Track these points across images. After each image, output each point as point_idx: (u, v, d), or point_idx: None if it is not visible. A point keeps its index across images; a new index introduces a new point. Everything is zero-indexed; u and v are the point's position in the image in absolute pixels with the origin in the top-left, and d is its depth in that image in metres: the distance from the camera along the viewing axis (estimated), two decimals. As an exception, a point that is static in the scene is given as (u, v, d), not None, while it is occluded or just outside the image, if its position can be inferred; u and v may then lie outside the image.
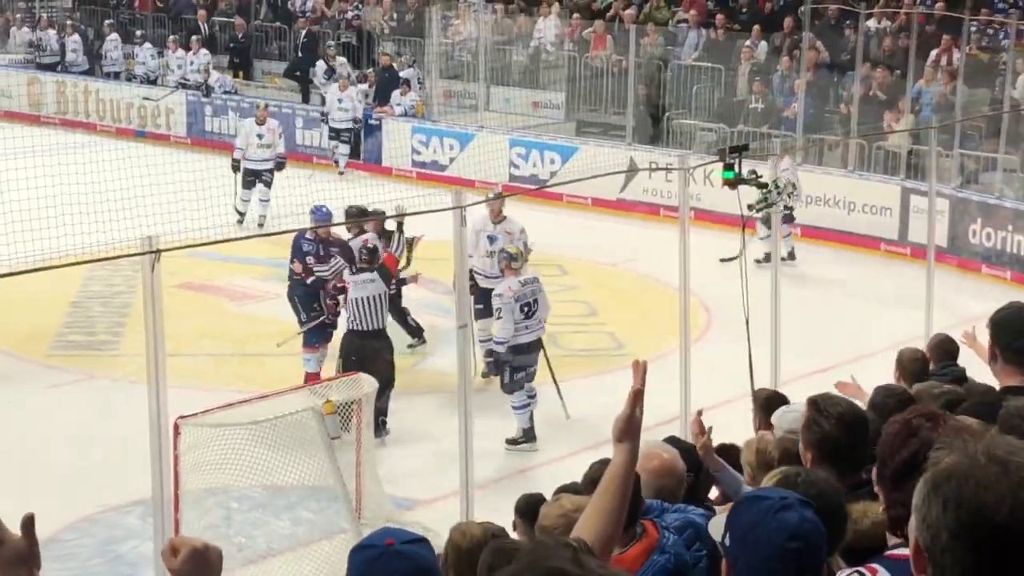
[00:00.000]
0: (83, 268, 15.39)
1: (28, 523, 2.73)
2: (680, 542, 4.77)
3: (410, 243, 14.53)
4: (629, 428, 3.73)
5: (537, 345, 12.79)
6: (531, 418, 12.20)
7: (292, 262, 14.16)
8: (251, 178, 20.01)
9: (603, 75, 23.76)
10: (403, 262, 14.50)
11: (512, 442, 12.17)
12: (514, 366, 12.56)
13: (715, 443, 6.56)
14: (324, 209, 14.75)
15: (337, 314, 14.04)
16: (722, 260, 17.04)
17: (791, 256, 18.03)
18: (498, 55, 25.23)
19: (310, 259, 14.03)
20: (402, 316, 14.58)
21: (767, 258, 18.56)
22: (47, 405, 13.10)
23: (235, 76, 26.95)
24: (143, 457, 8.32)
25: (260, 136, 19.75)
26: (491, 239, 13.45)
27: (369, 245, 13.73)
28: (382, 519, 9.96)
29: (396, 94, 24.03)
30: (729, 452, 6.59)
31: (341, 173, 22.67)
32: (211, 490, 10.47)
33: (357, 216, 14.89)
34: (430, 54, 25.23)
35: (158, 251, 8.21)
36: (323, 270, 14.05)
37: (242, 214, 20.01)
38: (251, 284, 17.31)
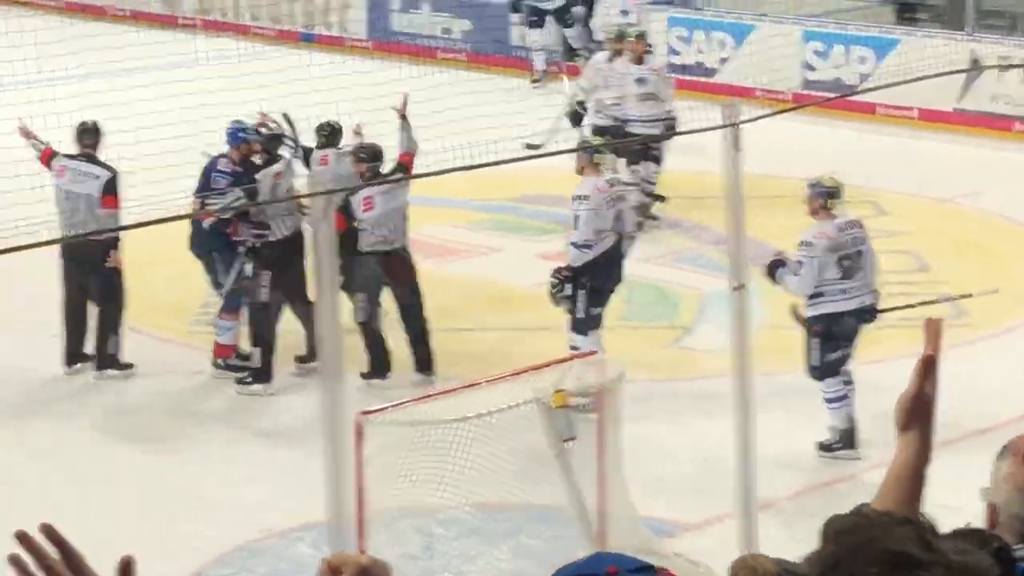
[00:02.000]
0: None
1: (124, 570, 2.66)
2: None
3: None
4: (917, 410, 3.50)
5: (862, 317, 12.53)
6: (850, 416, 12.00)
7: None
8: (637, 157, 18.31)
9: (933, -61, 23.43)
10: None
11: (825, 448, 12.07)
12: (825, 342, 12.30)
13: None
14: (241, 131, 14.99)
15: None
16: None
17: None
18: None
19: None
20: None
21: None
22: (189, 397, 13.50)
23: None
24: (316, 466, 8.56)
25: (642, 82, 18.22)
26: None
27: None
28: (634, 548, 9.83)
29: (646, -29, 23.82)
30: None
31: (536, 81, 22.76)
32: (407, 510, 10.61)
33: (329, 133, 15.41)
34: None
35: (330, 192, 8.51)
36: (215, 203, 14.53)
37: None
38: (456, 235, 17.43)
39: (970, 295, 13.07)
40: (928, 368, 3.51)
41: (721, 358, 11.10)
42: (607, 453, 10.86)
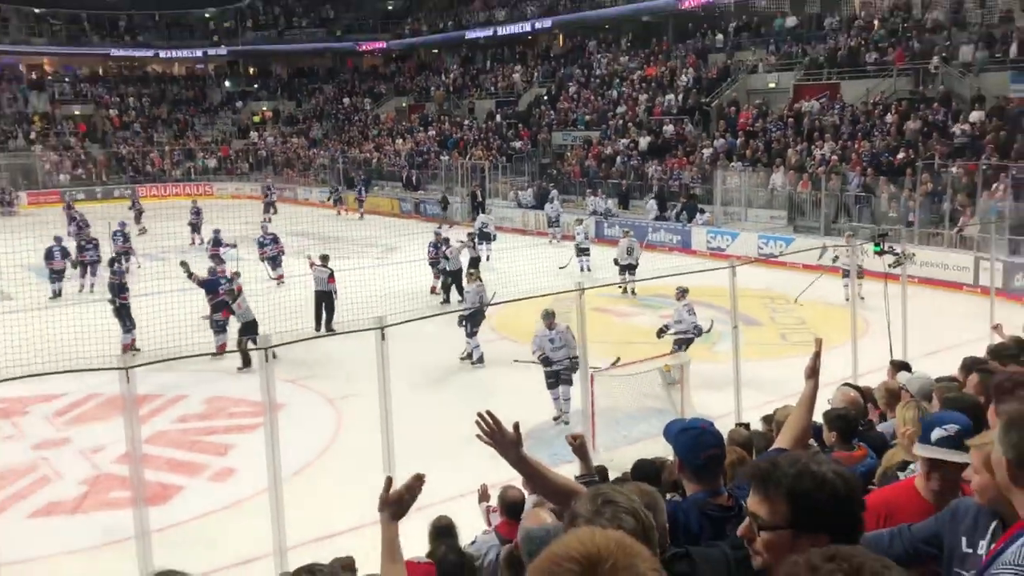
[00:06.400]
0: (550, 300, 16.17)
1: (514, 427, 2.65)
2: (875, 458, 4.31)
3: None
4: (812, 372, 3.49)
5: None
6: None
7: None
8: None
9: None
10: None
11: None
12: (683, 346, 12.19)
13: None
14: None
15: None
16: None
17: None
18: None
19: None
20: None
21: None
22: (528, 367, 12.45)
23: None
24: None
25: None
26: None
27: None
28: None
29: None
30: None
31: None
32: (611, 408, 10.81)
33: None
34: None
35: (582, 289, 8.67)
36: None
37: None
38: (629, 310, 17.04)
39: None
40: (817, 356, 3.54)
41: (727, 355, 10.82)
42: (685, 389, 11.30)
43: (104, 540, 8.04)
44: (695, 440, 2.99)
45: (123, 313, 14.54)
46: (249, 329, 13.57)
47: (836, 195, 22.91)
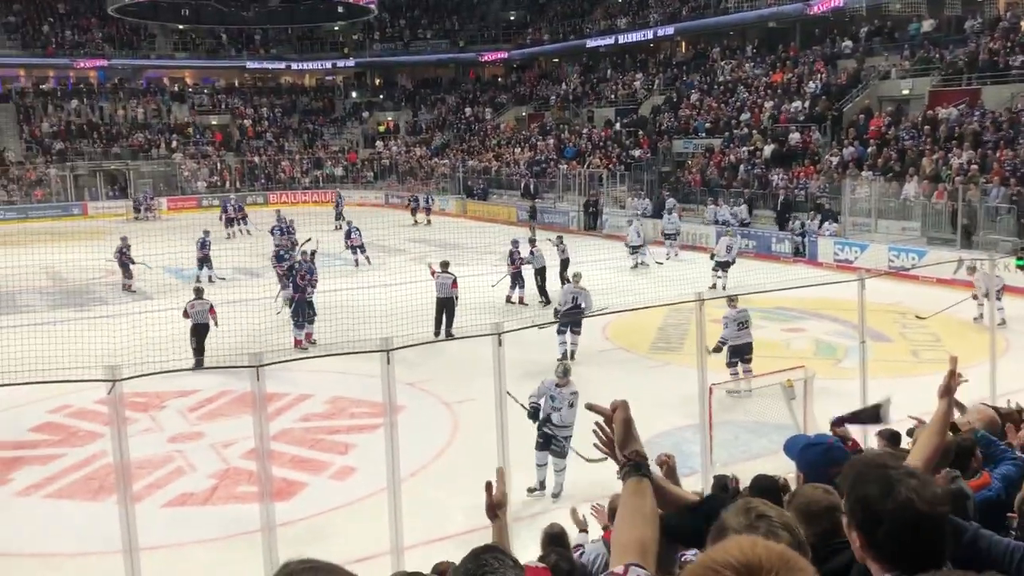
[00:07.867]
0: (667, 311, 16.19)
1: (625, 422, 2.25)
2: (1001, 487, 4.02)
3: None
4: (947, 391, 3.36)
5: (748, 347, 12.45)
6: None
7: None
8: None
9: None
10: None
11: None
12: (733, 354, 12.39)
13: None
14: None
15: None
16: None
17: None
18: None
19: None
20: None
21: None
22: (645, 377, 13.30)
23: None
24: (697, 407, 8.48)
25: None
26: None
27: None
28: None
29: None
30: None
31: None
32: (727, 420, 10.98)
33: None
34: None
35: (702, 300, 8.55)
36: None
37: None
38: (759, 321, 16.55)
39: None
40: (952, 374, 3.40)
41: (853, 371, 10.65)
42: (808, 404, 10.83)
43: (231, 532, 8.33)
44: (821, 455, 2.87)
45: (303, 307, 15.13)
46: (197, 332, 13.88)
47: (975, 206, 21.83)
